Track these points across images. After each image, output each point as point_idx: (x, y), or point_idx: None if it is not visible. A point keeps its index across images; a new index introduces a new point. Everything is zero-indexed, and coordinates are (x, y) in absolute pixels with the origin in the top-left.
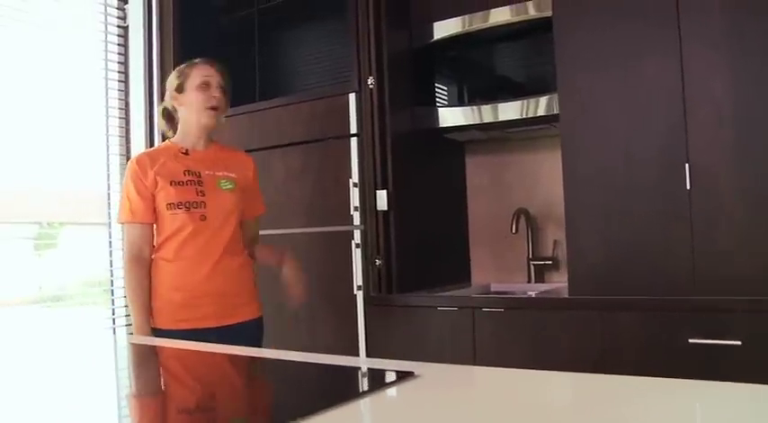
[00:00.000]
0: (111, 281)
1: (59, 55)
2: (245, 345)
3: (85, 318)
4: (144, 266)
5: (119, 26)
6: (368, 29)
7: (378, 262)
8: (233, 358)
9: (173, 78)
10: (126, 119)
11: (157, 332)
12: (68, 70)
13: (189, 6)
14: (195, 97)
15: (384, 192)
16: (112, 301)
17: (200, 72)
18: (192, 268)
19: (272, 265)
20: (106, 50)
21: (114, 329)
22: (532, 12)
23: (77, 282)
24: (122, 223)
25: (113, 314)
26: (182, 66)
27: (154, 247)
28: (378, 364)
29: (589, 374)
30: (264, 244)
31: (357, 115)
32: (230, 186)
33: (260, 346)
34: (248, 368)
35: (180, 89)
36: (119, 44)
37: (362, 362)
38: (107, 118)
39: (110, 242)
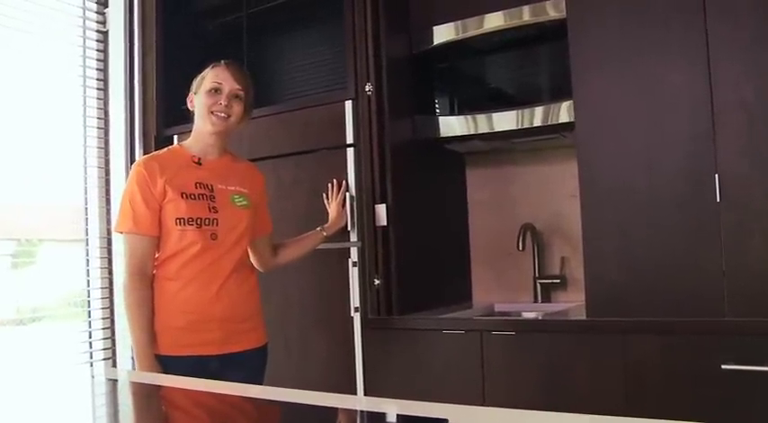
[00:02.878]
0: (88, 301)
1: (34, 61)
2: (249, 375)
3: (63, 339)
4: (147, 283)
5: (98, 31)
6: (365, 32)
7: (376, 281)
8: (243, 403)
9: (195, 80)
10: (105, 129)
11: (156, 358)
12: (43, 78)
13: (172, 10)
14: (202, 101)
15: (383, 206)
16: (89, 323)
17: (214, 76)
18: (197, 290)
19: (307, 248)
20: (84, 56)
21: (91, 354)
22: (527, 17)
23: (56, 300)
24: (123, 233)
25: (90, 337)
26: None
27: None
28: (403, 407)
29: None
30: (281, 243)
31: (354, 124)
32: (244, 203)
33: (263, 376)
34: (260, 417)
35: (195, 91)
36: (97, 50)
37: (386, 404)
38: (85, 128)
39: (87, 260)
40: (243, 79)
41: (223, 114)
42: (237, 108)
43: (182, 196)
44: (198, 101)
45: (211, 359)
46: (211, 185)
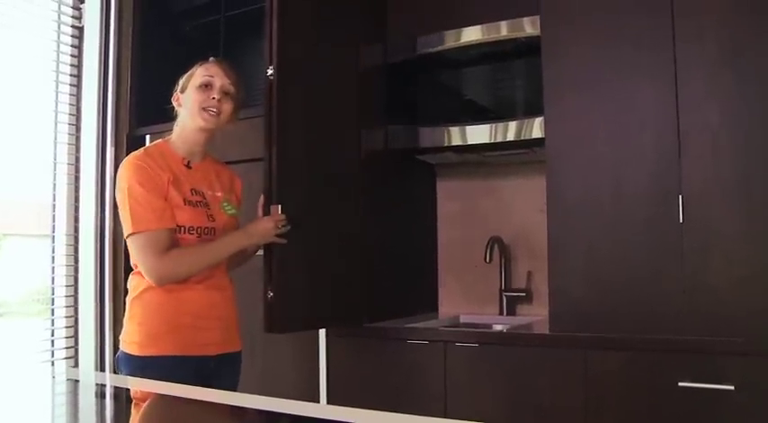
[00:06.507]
0: (53, 299)
1: (6, 55)
2: (234, 377)
3: (25, 336)
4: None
5: (73, 26)
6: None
7: (270, 295)
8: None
9: (182, 78)
10: (76, 126)
11: (157, 360)
12: (15, 71)
13: (150, 9)
14: (192, 97)
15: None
16: (52, 321)
17: (204, 71)
18: (197, 291)
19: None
20: (58, 52)
21: (53, 353)
22: (504, 32)
23: (20, 296)
24: (140, 232)
25: (53, 335)
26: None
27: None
28: (366, 418)
29: None
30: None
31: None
32: (233, 211)
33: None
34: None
35: (183, 89)
36: (72, 46)
37: (352, 415)
38: (56, 124)
39: (53, 257)
40: (234, 76)
41: (214, 110)
42: (228, 105)
43: (184, 202)
44: (187, 97)
45: (210, 360)
46: (203, 192)
